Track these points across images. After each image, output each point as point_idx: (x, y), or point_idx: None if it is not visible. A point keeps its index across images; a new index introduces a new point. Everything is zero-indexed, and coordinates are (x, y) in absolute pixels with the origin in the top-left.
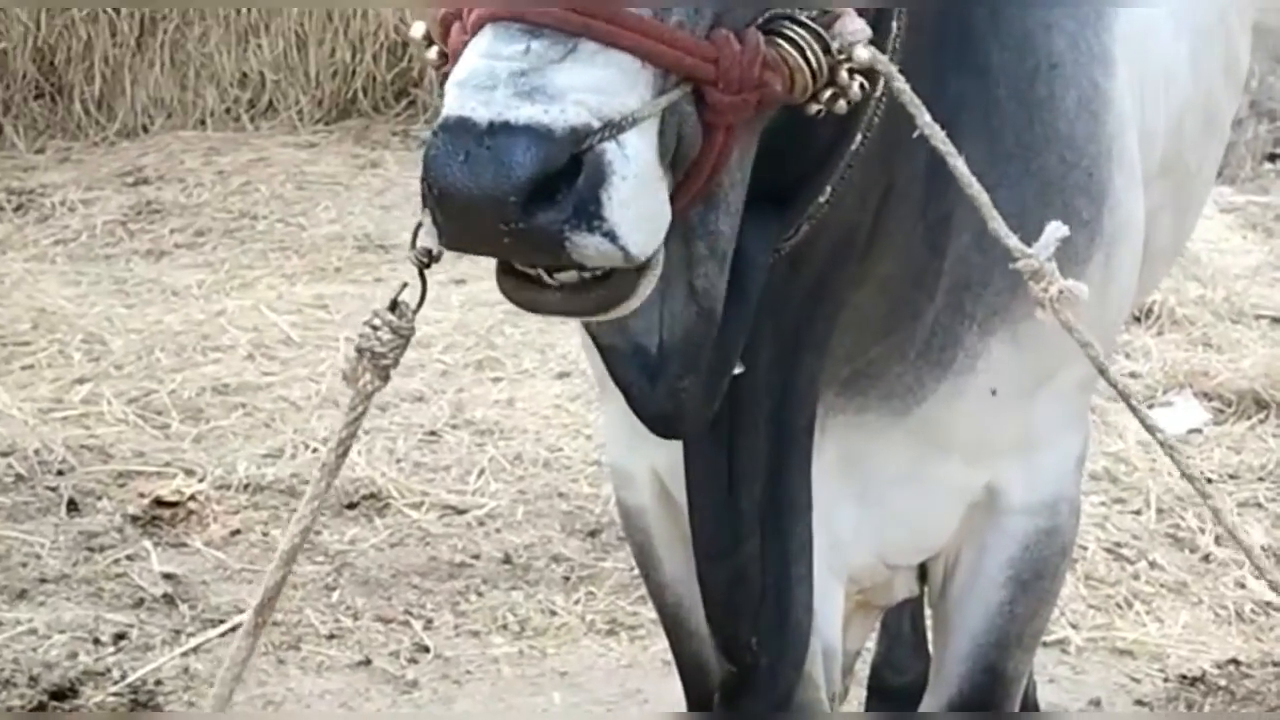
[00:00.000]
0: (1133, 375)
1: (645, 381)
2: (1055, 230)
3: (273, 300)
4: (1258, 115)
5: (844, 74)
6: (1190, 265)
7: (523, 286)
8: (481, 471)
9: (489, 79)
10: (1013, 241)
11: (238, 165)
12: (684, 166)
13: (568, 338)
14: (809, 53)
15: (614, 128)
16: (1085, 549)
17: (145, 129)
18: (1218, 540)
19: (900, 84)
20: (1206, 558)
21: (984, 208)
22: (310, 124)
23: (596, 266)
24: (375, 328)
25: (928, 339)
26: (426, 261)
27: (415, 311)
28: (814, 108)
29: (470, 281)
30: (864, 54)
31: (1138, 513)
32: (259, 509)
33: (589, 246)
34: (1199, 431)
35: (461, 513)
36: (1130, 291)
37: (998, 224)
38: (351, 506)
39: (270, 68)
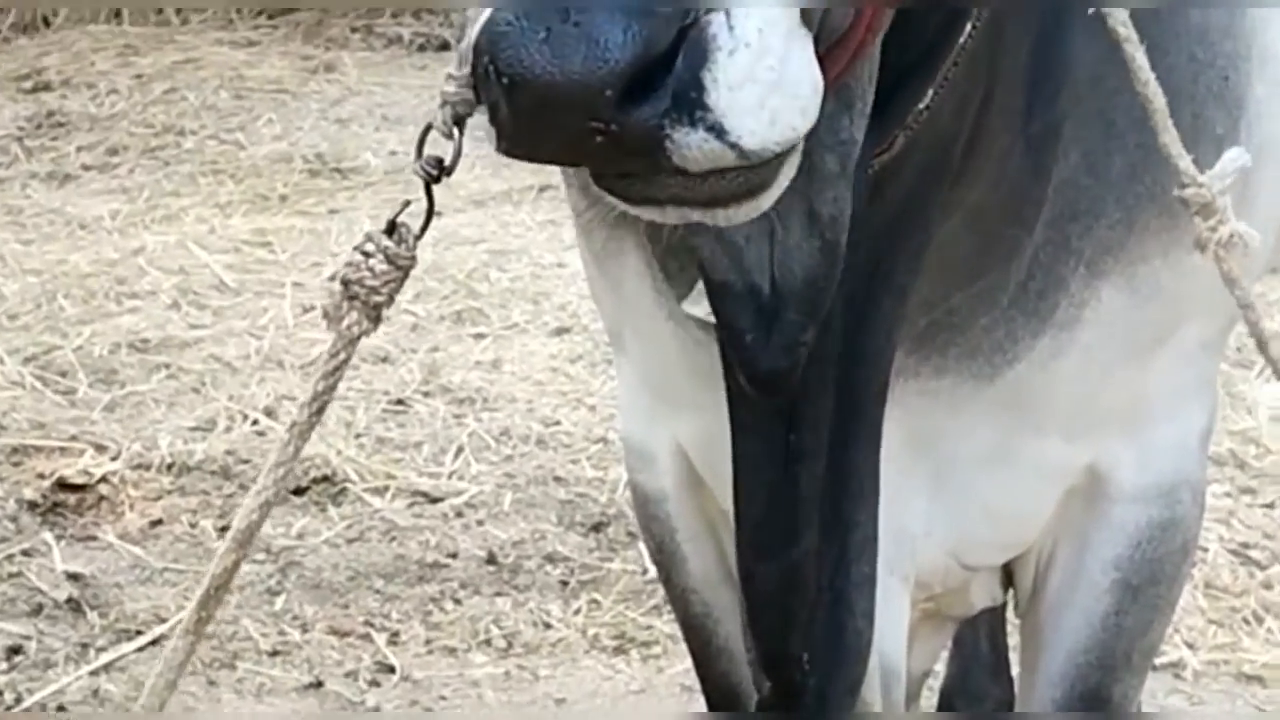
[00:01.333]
0: None
1: (763, 331)
2: (1236, 158)
3: (203, 236)
4: None
5: None
6: None
7: (630, 179)
8: (460, 450)
9: None
10: (1185, 163)
11: (160, 68)
12: (826, 42)
13: (565, 285)
14: None
15: None
16: (1206, 551)
17: (46, 22)
18: None
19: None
20: None
21: (1158, 115)
22: (249, 18)
23: (701, 169)
24: (367, 255)
25: (1024, 282)
26: (436, 174)
27: (418, 238)
28: None
29: (446, 214)
30: None
31: (1270, 506)
32: (185, 494)
33: (691, 145)
34: None
35: (435, 500)
36: (1274, 230)
37: (1171, 138)
38: (299, 492)
39: None
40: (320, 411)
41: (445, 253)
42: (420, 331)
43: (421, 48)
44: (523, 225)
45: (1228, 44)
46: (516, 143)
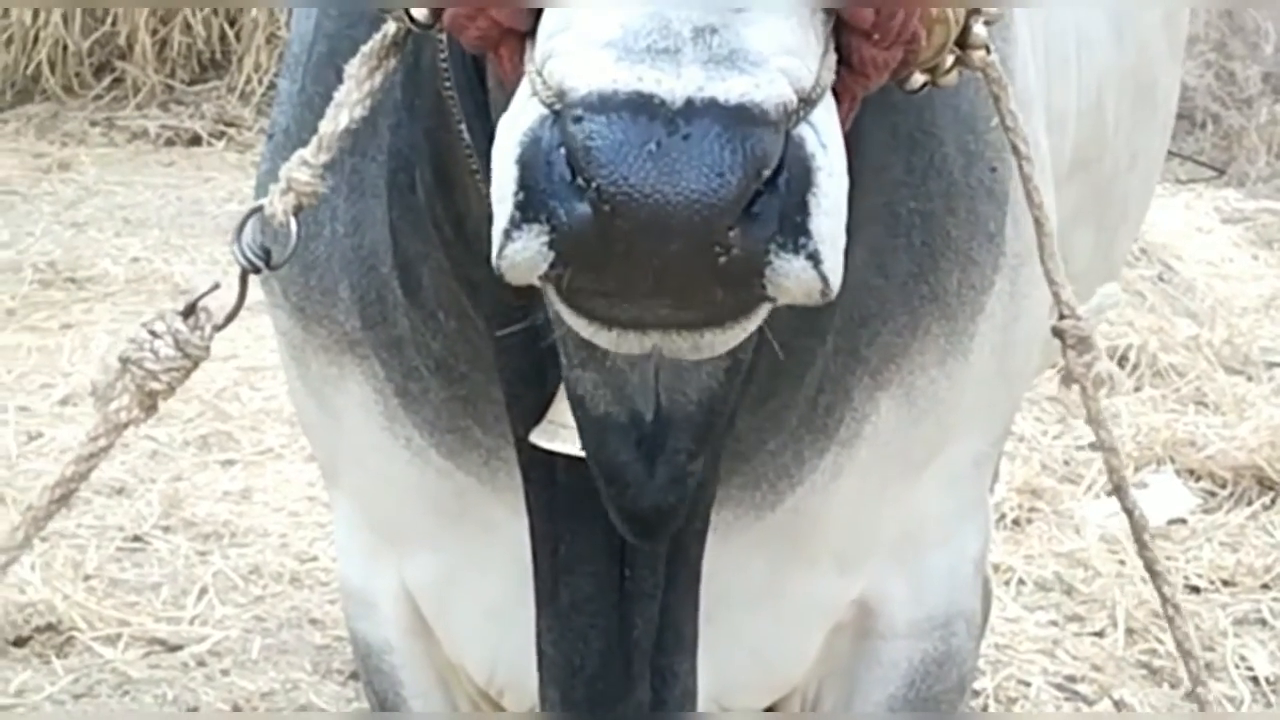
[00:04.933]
0: (1093, 447)
1: (646, 463)
2: (1110, 294)
3: None
4: (1274, 92)
5: (976, 30)
6: (1181, 295)
7: (645, 329)
8: (203, 591)
9: (664, 36)
10: (1067, 293)
11: None
12: None
13: None
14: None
15: (807, 104)
16: (1028, 685)
17: None
18: (1208, 669)
19: (995, 54)
20: (1191, 695)
21: (1046, 239)
22: None
23: (793, 302)
24: (155, 334)
25: (814, 398)
26: (261, 265)
27: (218, 328)
28: (920, 79)
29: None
30: (993, 6)
31: (1100, 635)
32: None
33: (790, 274)
34: (1182, 522)
35: (174, 649)
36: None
37: (1054, 265)
38: (20, 643)
39: None
40: (64, 499)
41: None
42: (160, 459)
43: (169, 142)
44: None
45: (994, 134)
46: (597, 268)
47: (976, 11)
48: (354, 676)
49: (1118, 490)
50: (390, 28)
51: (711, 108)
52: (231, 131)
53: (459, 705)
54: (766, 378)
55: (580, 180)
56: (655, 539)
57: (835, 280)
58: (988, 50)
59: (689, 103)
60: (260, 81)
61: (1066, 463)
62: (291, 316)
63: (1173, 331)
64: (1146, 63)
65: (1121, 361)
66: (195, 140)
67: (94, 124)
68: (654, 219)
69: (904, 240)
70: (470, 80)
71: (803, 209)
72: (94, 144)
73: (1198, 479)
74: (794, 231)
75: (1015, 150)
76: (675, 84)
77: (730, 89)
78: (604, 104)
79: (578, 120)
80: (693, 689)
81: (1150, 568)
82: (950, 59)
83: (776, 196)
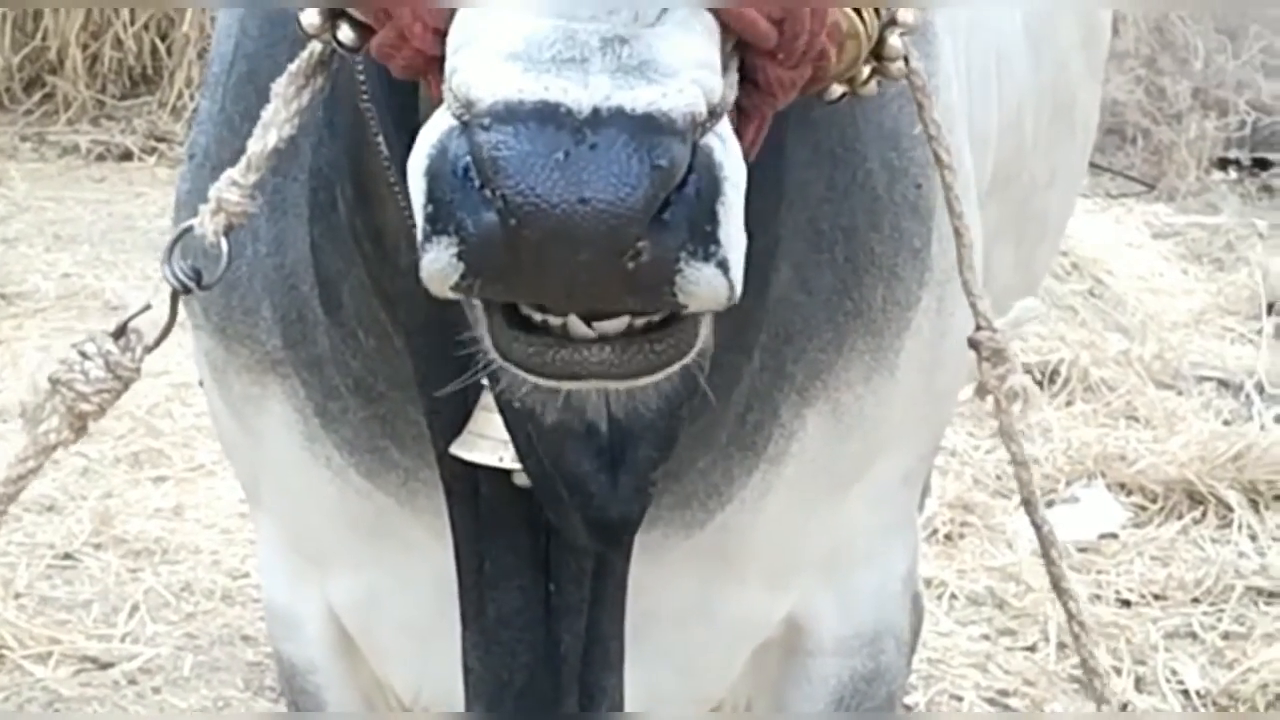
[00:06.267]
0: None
1: (606, 475)
2: (1029, 308)
3: None
4: (1203, 107)
5: (892, 41)
6: (1112, 310)
7: (554, 346)
8: (135, 608)
9: (571, 46)
10: (984, 305)
11: None
12: None
13: None
14: (864, 12)
15: (714, 116)
16: (960, 700)
17: None
18: (1138, 683)
19: (917, 63)
20: (1125, 707)
21: (964, 250)
22: None
23: (699, 310)
24: (85, 355)
25: (742, 415)
26: (192, 285)
27: (149, 349)
28: (838, 90)
29: None
30: (909, 16)
31: (1032, 649)
32: None
33: (701, 282)
34: (1113, 536)
35: (105, 666)
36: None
37: (972, 276)
38: None
39: None
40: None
41: None
42: (91, 476)
43: (100, 157)
44: None
45: (918, 150)
46: (505, 279)
47: (893, 23)
48: None
49: (1027, 505)
50: (316, 46)
51: (618, 117)
52: (163, 147)
53: None
54: (696, 396)
55: (488, 191)
56: (617, 546)
57: (740, 286)
58: (906, 61)
59: (596, 112)
60: (192, 97)
61: (998, 477)
62: (213, 337)
63: (1104, 346)
64: (1065, 81)
65: (1053, 376)
66: (126, 155)
67: (24, 139)
68: (561, 228)
69: (828, 256)
70: (387, 94)
71: (712, 217)
72: (24, 159)
73: (1129, 493)
74: (704, 239)
75: (938, 159)
76: (582, 93)
77: (637, 98)
78: (510, 114)
79: (484, 130)
80: (620, 703)
81: (1056, 584)
82: (867, 70)
83: (686, 205)
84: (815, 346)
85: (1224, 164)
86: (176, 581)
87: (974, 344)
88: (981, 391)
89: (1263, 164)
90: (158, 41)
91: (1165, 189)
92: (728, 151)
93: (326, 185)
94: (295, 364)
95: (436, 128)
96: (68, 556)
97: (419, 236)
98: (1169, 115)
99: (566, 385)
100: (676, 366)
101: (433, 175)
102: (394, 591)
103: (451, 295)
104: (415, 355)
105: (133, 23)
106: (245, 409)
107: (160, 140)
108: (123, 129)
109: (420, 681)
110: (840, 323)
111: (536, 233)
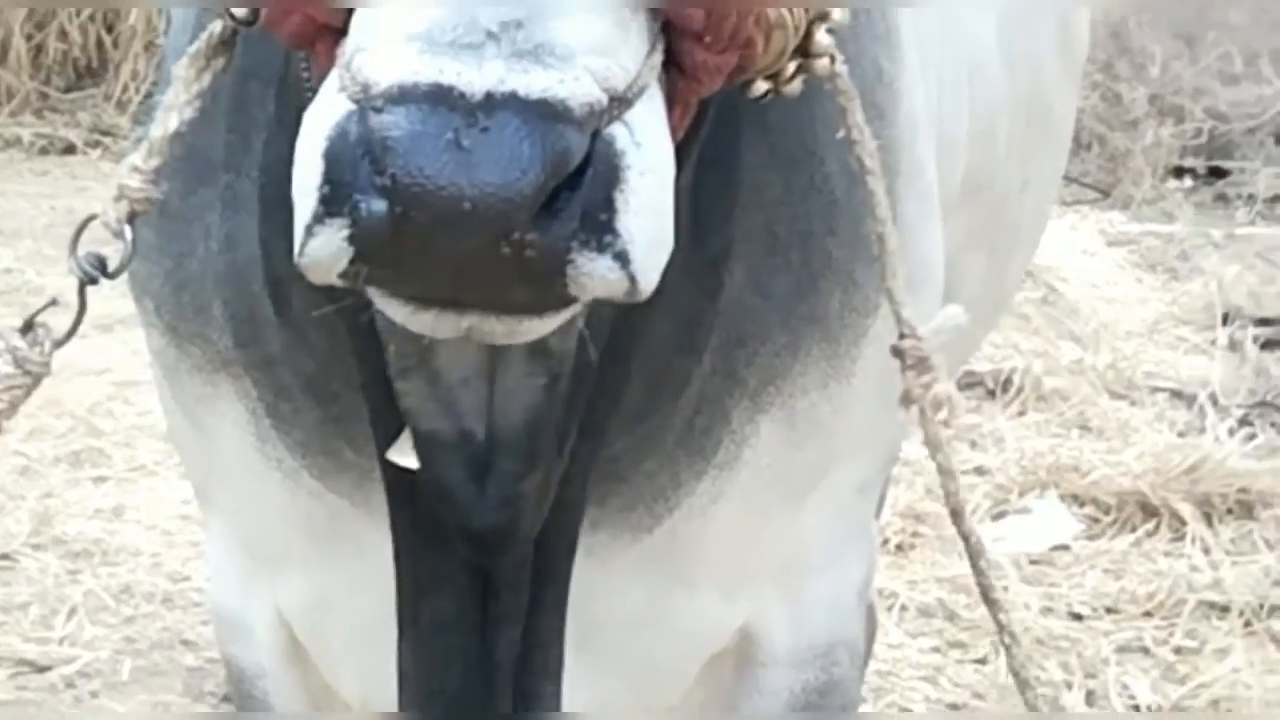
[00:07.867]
0: (978, 471)
1: (475, 483)
2: (952, 315)
3: None
4: (1160, 114)
5: (819, 38)
6: (1066, 318)
7: (462, 310)
8: (73, 611)
9: (469, 31)
10: (907, 312)
11: None
12: None
13: None
14: (793, 7)
15: (621, 103)
16: (910, 712)
17: None
18: (1089, 697)
19: (842, 66)
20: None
21: (889, 256)
22: None
23: (599, 299)
24: None
25: (690, 418)
26: (96, 275)
27: (59, 344)
28: (762, 87)
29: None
30: (838, 13)
31: (982, 661)
32: None
33: (594, 274)
34: (1066, 548)
35: (43, 670)
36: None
37: (897, 284)
38: None
39: None
40: None
41: (64, 385)
42: (31, 475)
43: (43, 151)
44: None
45: (879, 154)
46: (392, 263)
47: (822, 18)
48: (226, 699)
49: (954, 515)
50: (216, 26)
51: (511, 101)
52: (107, 140)
53: None
54: (642, 397)
55: (377, 175)
56: (495, 558)
57: (646, 280)
58: (833, 60)
59: (489, 96)
60: (138, 90)
61: None
62: (165, 335)
63: (1057, 355)
64: (1040, 87)
65: (1005, 385)
66: (70, 149)
67: None
68: (448, 212)
69: (783, 260)
70: None
71: (608, 207)
72: None
73: (1081, 504)
74: (598, 230)
75: (860, 164)
76: (476, 76)
77: (532, 83)
78: (404, 96)
79: (378, 112)
80: (557, 710)
81: (986, 595)
82: (792, 66)
83: (579, 194)
84: (769, 351)
85: (1180, 172)
86: (116, 584)
87: (898, 352)
88: (906, 400)
89: (1219, 172)
90: (104, 34)
91: (1120, 196)
92: (638, 139)
93: (275, 182)
94: (246, 364)
95: (333, 110)
96: (5, 557)
97: (304, 219)
98: (1125, 122)
99: (448, 319)
100: (565, 314)
101: (331, 158)
102: (345, 594)
103: (335, 283)
104: (359, 357)
105: (78, 14)
106: (196, 409)
107: (105, 134)
108: (66, 122)
109: (370, 685)
110: (795, 328)
111: (424, 215)
